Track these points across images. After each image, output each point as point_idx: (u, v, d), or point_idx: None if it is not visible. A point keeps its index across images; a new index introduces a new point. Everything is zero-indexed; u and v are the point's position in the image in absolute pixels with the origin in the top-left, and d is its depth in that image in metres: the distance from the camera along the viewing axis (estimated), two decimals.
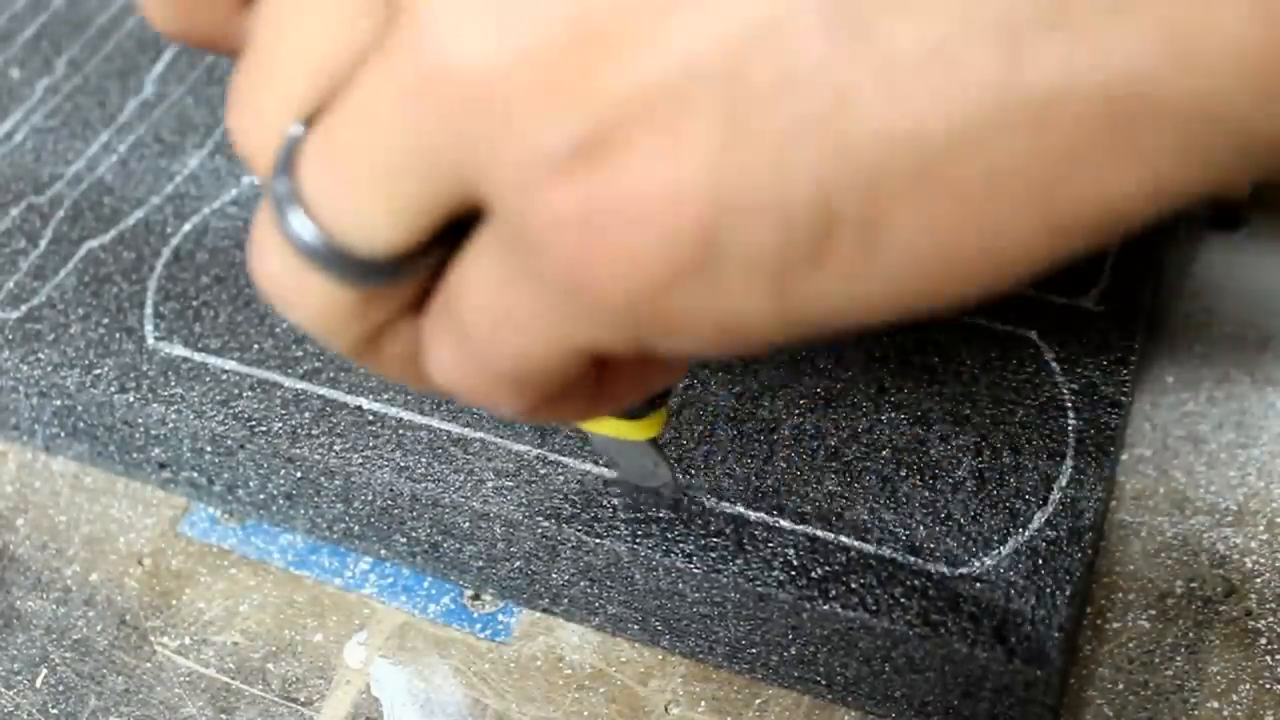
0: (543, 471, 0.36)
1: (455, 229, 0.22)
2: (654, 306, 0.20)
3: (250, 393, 0.38)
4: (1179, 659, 0.35)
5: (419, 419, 0.37)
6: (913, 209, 0.19)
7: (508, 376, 0.23)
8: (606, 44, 0.19)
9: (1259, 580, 0.36)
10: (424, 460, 0.36)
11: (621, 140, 0.19)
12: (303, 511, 0.38)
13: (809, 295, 0.20)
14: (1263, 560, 0.36)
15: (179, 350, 0.40)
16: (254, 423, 0.38)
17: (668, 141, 0.19)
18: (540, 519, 0.35)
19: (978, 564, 0.33)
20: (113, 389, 0.39)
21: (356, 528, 0.38)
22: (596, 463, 0.36)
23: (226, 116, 0.23)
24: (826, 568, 0.33)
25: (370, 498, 0.37)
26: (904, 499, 0.34)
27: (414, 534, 0.37)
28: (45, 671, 0.37)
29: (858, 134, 0.19)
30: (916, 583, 0.33)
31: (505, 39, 0.19)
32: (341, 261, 0.22)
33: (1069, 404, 0.36)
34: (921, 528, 0.34)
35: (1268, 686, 0.34)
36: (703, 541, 0.34)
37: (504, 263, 0.22)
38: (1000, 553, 0.33)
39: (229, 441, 0.38)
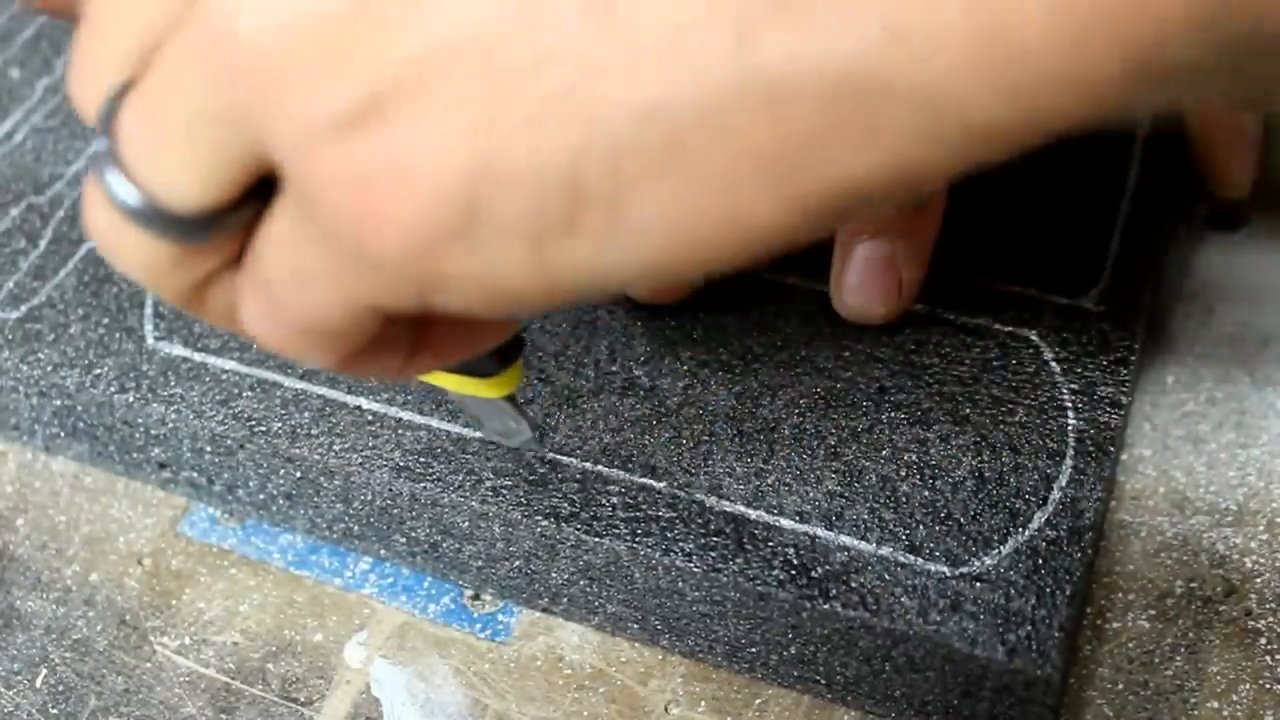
0: (541, 470, 0.36)
1: (267, 188, 0.23)
2: (424, 266, 0.22)
3: (250, 393, 0.38)
4: (1179, 659, 0.35)
5: (419, 419, 0.37)
6: (658, 182, 0.20)
7: (307, 330, 0.24)
8: (378, 17, 0.20)
9: (1259, 580, 0.36)
10: (423, 460, 0.36)
11: (389, 108, 0.21)
12: (303, 511, 0.38)
13: (566, 261, 0.22)
14: (1263, 560, 0.36)
15: (179, 350, 0.40)
16: (254, 423, 0.38)
17: (431, 111, 0.21)
18: (539, 518, 0.35)
19: (978, 564, 0.33)
20: (112, 389, 0.39)
21: (356, 528, 0.38)
22: (586, 459, 0.36)
23: (67, 79, 0.25)
24: (826, 567, 0.33)
25: (370, 497, 0.37)
26: (904, 499, 0.34)
27: (413, 534, 0.37)
28: (45, 671, 0.37)
29: (604, 109, 0.20)
30: (916, 582, 0.33)
31: (283, 9, 0.21)
32: (156, 217, 0.23)
33: (1069, 404, 0.36)
34: (921, 527, 0.34)
35: (1268, 686, 0.34)
36: (703, 541, 0.34)
37: (295, 222, 0.23)
38: (1000, 552, 0.33)
39: (229, 441, 0.38)
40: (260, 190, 0.23)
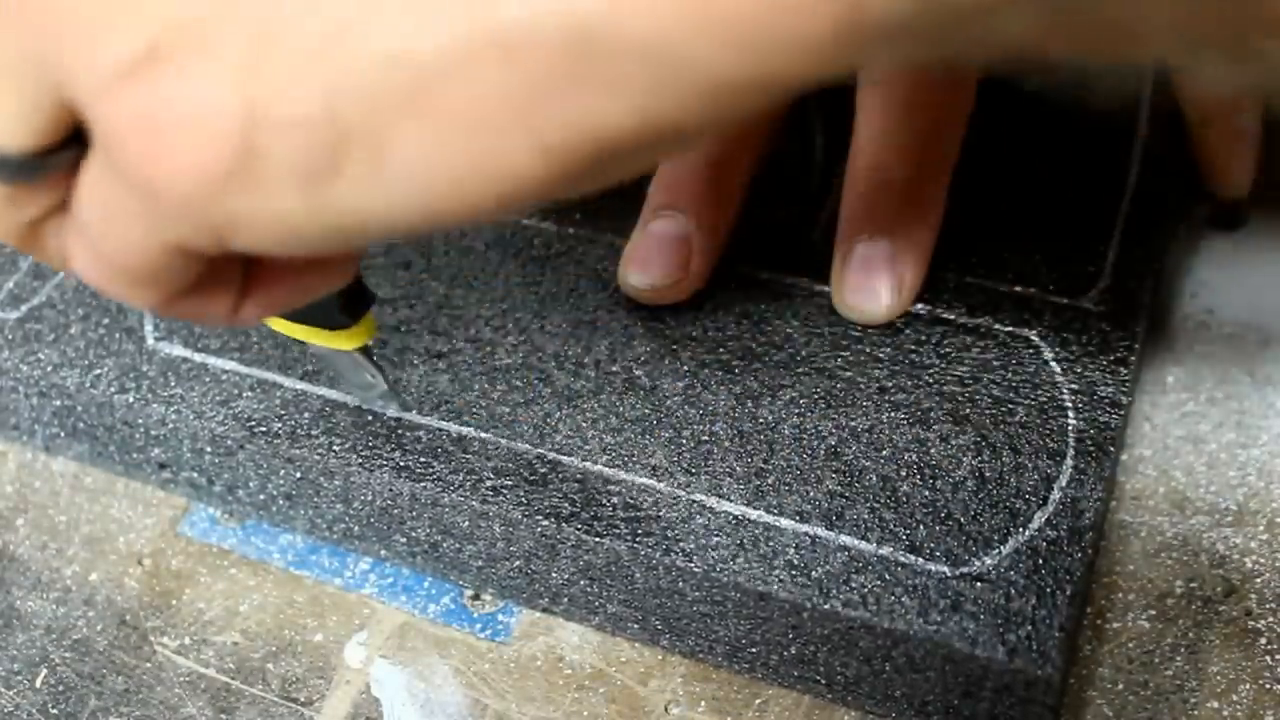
0: (542, 470, 0.36)
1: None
2: (209, 207, 0.23)
3: (250, 393, 0.38)
4: (1179, 659, 0.35)
5: (418, 419, 0.37)
6: (411, 127, 0.22)
7: (124, 270, 0.26)
8: None
9: (1259, 580, 0.36)
10: (423, 460, 0.36)
11: (169, 56, 0.22)
12: (303, 512, 0.38)
13: (338, 202, 0.23)
14: (1263, 560, 0.36)
15: (179, 350, 0.40)
16: (254, 423, 0.38)
17: (206, 59, 0.22)
18: (540, 518, 0.35)
19: (978, 564, 0.33)
20: (113, 389, 0.39)
21: (356, 528, 0.38)
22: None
23: None
24: (827, 567, 0.33)
25: (370, 498, 0.37)
26: (904, 499, 0.34)
27: (414, 534, 0.37)
28: (45, 671, 0.37)
29: (359, 55, 0.22)
30: (917, 582, 0.33)
31: None
32: None
33: (1069, 404, 0.36)
34: (922, 527, 0.34)
35: (1268, 686, 0.34)
36: (703, 541, 0.34)
37: (101, 165, 0.24)
38: (1001, 552, 0.33)
39: (229, 442, 0.38)
40: (85, 135, 0.25)
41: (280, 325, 0.34)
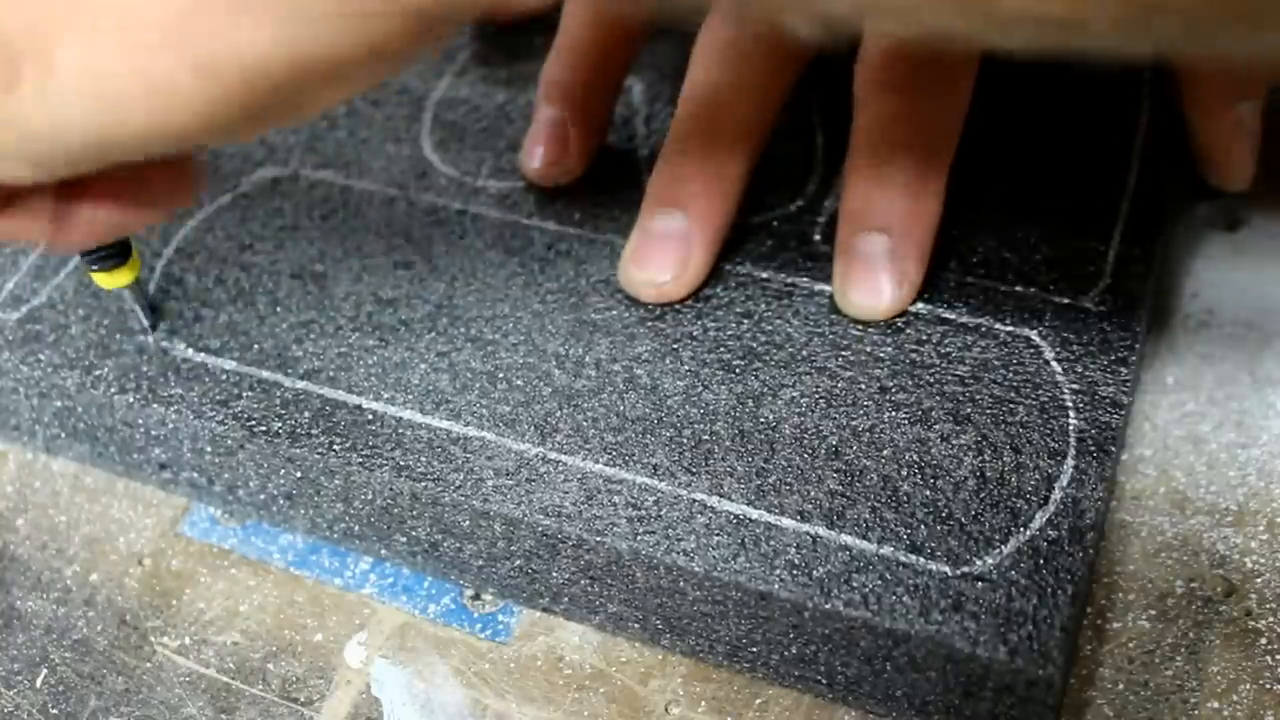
0: (542, 470, 0.36)
1: None
2: None
3: (250, 393, 0.38)
4: (1179, 659, 0.35)
5: (419, 418, 0.37)
6: (73, 43, 0.24)
7: None
8: None
9: (1259, 580, 0.36)
10: (424, 459, 0.36)
11: None
12: (303, 511, 0.38)
13: (19, 116, 0.25)
14: (1263, 560, 0.36)
15: (179, 350, 0.40)
16: (254, 423, 0.38)
17: None
18: (540, 517, 0.35)
19: (979, 563, 0.33)
20: (113, 390, 0.39)
21: (356, 528, 0.38)
22: (599, 463, 0.36)
23: None
24: (828, 567, 0.33)
25: (370, 497, 0.37)
26: (905, 498, 0.34)
27: (414, 534, 0.37)
28: (45, 671, 0.37)
29: None
30: (918, 582, 0.33)
31: None
32: None
33: (1070, 404, 0.36)
34: (923, 527, 0.34)
35: (1268, 686, 0.34)
36: (703, 540, 0.34)
37: None
38: (1002, 552, 0.33)
39: (229, 442, 0.38)
40: None
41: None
